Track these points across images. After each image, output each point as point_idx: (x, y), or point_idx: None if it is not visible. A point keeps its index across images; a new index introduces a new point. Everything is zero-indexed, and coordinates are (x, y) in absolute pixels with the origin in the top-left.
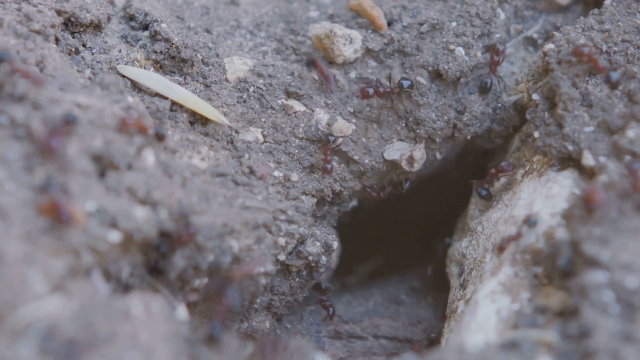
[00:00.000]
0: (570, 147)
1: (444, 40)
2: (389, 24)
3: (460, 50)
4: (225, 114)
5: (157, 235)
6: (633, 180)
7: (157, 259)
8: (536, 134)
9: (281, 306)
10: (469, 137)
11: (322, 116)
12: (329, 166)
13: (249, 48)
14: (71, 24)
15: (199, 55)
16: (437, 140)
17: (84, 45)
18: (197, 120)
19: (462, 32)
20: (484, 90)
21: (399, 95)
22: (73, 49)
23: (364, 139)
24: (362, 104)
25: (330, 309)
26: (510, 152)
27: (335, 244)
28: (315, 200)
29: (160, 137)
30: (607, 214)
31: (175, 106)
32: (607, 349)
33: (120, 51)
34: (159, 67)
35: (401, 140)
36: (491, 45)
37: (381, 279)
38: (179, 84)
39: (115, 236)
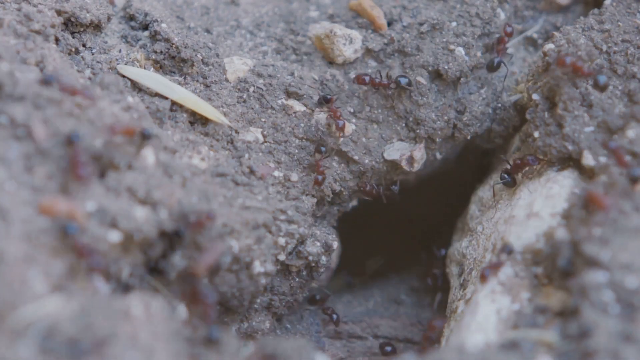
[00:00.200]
0: (570, 147)
1: (444, 40)
2: (389, 24)
3: (460, 50)
4: (225, 114)
5: (157, 236)
6: (616, 158)
7: (157, 259)
8: (536, 134)
9: (281, 306)
10: (469, 137)
11: (322, 116)
12: (320, 177)
13: (249, 48)
14: (71, 24)
15: (199, 55)
16: (437, 140)
17: (84, 45)
18: (197, 120)
19: (462, 32)
20: (490, 68)
21: (398, 95)
22: (73, 49)
23: (364, 139)
24: (362, 104)
25: (334, 315)
26: (510, 152)
27: (335, 244)
28: (315, 200)
29: (145, 137)
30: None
31: (175, 106)
32: (607, 349)
33: (120, 51)
34: (159, 67)
35: (401, 140)
36: (501, 26)
37: (381, 279)
38: (179, 84)
39: (115, 236)
